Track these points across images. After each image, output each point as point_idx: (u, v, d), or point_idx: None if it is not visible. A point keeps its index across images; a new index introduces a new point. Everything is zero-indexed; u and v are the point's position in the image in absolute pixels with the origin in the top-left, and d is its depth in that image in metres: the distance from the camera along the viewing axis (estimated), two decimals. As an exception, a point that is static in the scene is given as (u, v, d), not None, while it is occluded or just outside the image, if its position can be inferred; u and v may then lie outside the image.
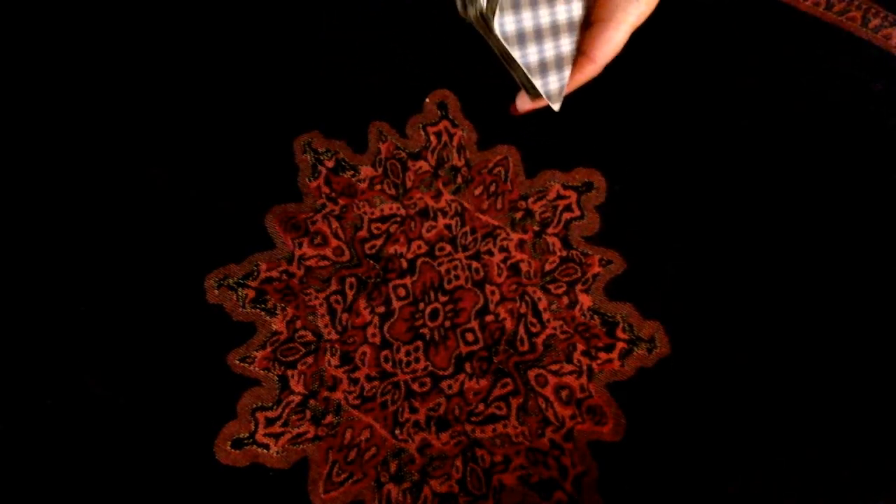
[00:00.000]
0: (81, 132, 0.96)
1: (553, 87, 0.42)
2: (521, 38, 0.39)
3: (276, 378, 0.89)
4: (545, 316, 0.92)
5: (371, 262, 0.94)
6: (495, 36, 0.39)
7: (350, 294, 0.92)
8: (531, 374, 0.90)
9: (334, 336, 0.91)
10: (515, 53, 0.40)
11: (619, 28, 0.40)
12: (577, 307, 0.93)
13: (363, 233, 0.95)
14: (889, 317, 0.93)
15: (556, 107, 0.43)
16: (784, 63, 1.03)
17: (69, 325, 0.89)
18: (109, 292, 0.90)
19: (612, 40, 0.40)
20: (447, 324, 0.92)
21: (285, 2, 1.02)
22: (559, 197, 0.97)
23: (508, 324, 0.92)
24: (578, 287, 0.94)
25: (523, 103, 0.46)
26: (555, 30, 0.40)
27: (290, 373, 0.89)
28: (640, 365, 0.91)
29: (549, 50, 0.41)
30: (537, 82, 0.42)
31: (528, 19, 0.39)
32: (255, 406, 0.88)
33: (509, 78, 0.44)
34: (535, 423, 0.89)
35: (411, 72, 1.01)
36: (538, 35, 0.40)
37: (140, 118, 0.97)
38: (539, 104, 0.45)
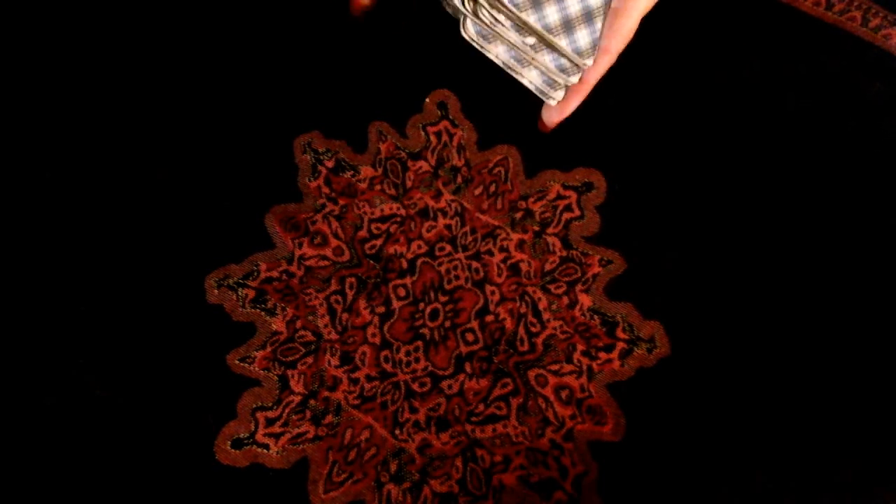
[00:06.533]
0: (81, 132, 0.96)
1: (583, 42, 0.41)
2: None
3: (276, 378, 0.89)
4: (545, 316, 0.92)
5: (371, 262, 0.94)
6: (506, 9, 0.37)
7: (350, 294, 0.92)
8: (531, 374, 0.90)
9: (334, 336, 0.91)
10: (531, 18, 0.38)
11: (631, 15, 0.40)
12: (577, 307, 0.93)
13: (363, 233, 0.95)
14: (889, 317, 0.93)
15: (588, 62, 0.41)
16: (783, 63, 1.03)
17: (69, 325, 0.89)
18: (109, 292, 0.90)
19: (625, 27, 0.41)
20: (447, 324, 0.92)
21: (285, 2, 1.02)
22: (559, 197, 0.97)
23: (508, 324, 0.92)
24: (578, 287, 0.94)
25: (550, 116, 0.45)
26: None
27: (290, 373, 0.89)
28: (640, 365, 0.91)
29: (574, 4, 0.39)
30: (563, 42, 0.40)
31: None
32: (255, 406, 0.88)
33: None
34: (535, 423, 0.89)
35: (411, 72, 1.01)
36: None
37: (139, 118, 0.97)
38: (566, 112, 0.44)
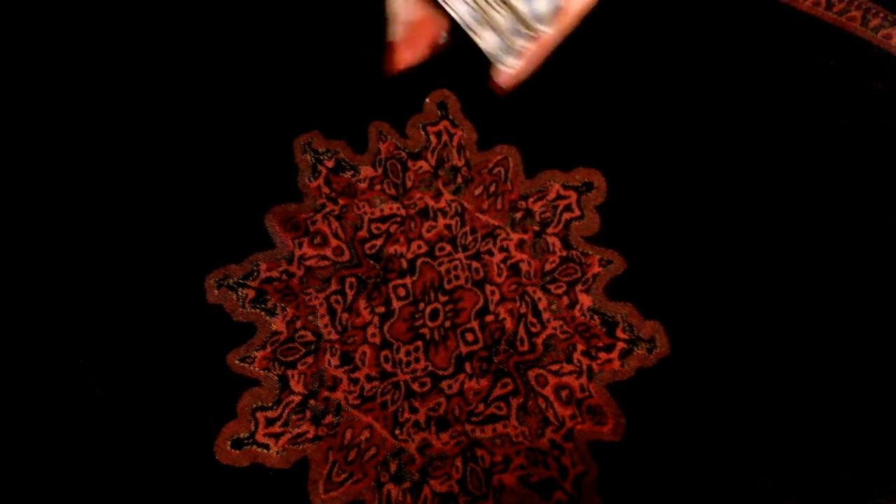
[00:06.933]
0: (82, 133, 0.97)
1: (543, 7, 0.39)
2: None
3: (276, 378, 0.89)
4: (545, 316, 0.92)
5: (371, 262, 0.94)
6: None
7: (350, 294, 0.92)
8: (531, 374, 0.90)
9: (334, 336, 0.91)
10: None
11: None
12: (577, 307, 0.93)
13: (363, 233, 0.95)
14: (889, 317, 0.93)
15: (546, 29, 0.40)
16: (784, 63, 1.03)
17: (69, 325, 0.89)
18: (110, 292, 0.90)
19: None
20: (447, 324, 0.92)
21: (285, 3, 1.03)
22: (559, 197, 0.97)
23: (508, 324, 0.92)
24: (578, 287, 0.94)
25: (498, 76, 0.45)
26: None
27: (290, 373, 0.89)
28: (640, 365, 0.91)
29: None
30: (521, 6, 0.38)
31: None
32: (255, 406, 0.88)
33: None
34: (535, 423, 0.89)
35: (411, 72, 1.01)
36: None
37: (140, 118, 0.97)
38: (513, 72, 0.43)
